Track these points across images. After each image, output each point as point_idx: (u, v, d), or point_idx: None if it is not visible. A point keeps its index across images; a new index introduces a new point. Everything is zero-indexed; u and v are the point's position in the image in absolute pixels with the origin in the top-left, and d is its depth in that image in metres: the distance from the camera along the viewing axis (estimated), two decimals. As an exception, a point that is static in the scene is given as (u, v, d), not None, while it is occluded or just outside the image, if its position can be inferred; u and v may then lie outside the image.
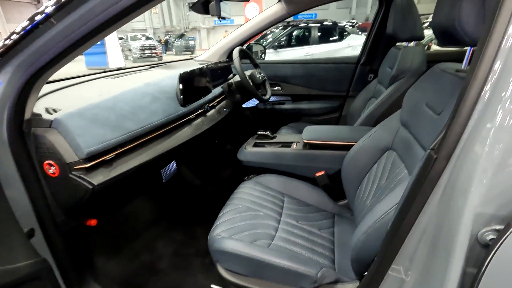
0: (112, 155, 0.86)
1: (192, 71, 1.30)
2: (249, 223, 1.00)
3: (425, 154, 0.50)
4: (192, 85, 1.31)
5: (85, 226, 1.01)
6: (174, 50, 17.32)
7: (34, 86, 0.70)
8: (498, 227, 0.40)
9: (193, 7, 1.15)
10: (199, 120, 1.32)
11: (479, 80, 0.42)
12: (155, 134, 1.04)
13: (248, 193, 1.16)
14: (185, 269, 1.25)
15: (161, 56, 13.95)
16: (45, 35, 0.63)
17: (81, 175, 0.78)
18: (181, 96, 1.19)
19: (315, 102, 2.13)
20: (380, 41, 1.84)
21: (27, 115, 0.73)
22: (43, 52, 0.65)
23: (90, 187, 0.78)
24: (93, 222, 1.03)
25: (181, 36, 18.26)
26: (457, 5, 0.60)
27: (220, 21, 1.16)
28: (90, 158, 0.81)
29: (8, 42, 0.65)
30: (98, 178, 0.81)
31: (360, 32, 6.89)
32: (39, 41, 0.64)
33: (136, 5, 0.61)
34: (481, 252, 0.41)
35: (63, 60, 0.68)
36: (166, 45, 16.98)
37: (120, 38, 12.72)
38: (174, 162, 1.68)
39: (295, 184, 1.25)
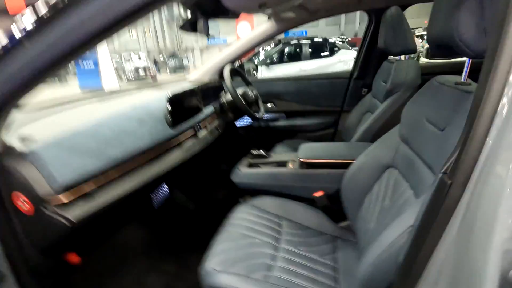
0: (93, 187, 0.79)
1: (182, 92, 1.26)
2: (245, 252, 0.93)
3: (436, 179, 0.44)
4: (181, 105, 1.26)
5: (66, 264, 0.92)
6: (168, 69, 17.50)
7: (1, 114, 0.64)
8: None
9: (182, 27, 1.12)
10: (189, 142, 1.27)
11: (495, 94, 0.37)
12: (142, 160, 0.98)
13: (243, 218, 1.09)
14: None
15: (155, 76, 14.06)
16: (17, 58, 0.57)
17: (58, 211, 0.71)
18: (170, 117, 1.14)
19: (309, 118, 2.10)
20: (372, 55, 1.84)
21: None
22: (13, 77, 0.59)
23: (69, 224, 0.71)
24: (75, 259, 0.94)
25: (174, 55, 18.53)
26: (454, 17, 0.57)
27: (214, 39, 1.13)
28: (68, 191, 0.74)
29: None
30: (77, 213, 0.74)
31: (350, 47, 7.04)
32: (10, 67, 0.58)
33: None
34: None
35: (28, 88, 0.61)
36: (156, 64, 17.13)
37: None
38: (166, 186, 1.60)
39: (293, 206, 1.18)
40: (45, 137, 0.77)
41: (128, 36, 24.53)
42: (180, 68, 17.61)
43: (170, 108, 1.14)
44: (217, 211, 1.68)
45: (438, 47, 0.69)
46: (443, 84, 0.78)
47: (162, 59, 18.67)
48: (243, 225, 1.05)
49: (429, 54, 7.90)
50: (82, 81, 9.01)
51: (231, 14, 1.16)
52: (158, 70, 17.24)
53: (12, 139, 0.75)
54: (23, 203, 0.70)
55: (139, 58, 14.91)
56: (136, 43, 23.08)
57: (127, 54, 15.35)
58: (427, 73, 1.35)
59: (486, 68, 0.39)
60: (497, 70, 0.37)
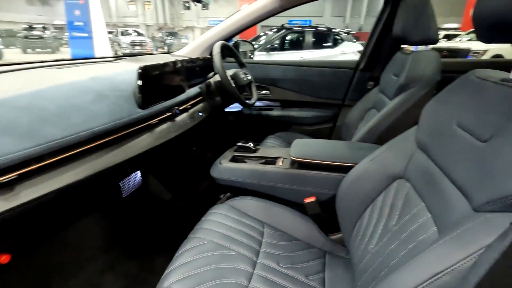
0: (12, 175, 0.59)
1: (159, 65, 1.05)
2: (215, 268, 0.75)
3: (506, 230, 0.27)
4: (157, 82, 1.06)
5: None
6: (166, 48, 16.91)
7: None
8: None
9: None
10: (164, 126, 1.07)
11: None
12: (94, 144, 0.78)
13: (218, 223, 0.92)
14: None
15: (152, 53, 13.58)
16: None
17: None
18: (140, 95, 0.94)
19: (306, 109, 1.91)
20: (383, 44, 1.63)
21: None
22: None
23: None
24: (3, 258, 0.76)
25: (174, 34, 17.86)
26: None
27: (195, 5, 0.93)
28: None
29: None
30: None
31: (354, 40, 6.78)
32: None
33: None
34: None
35: None
36: (153, 41, 16.51)
37: (110, 33, 12.31)
38: (138, 172, 1.41)
39: (279, 211, 1.01)
40: None
41: (127, 9, 23.62)
42: (179, 47, 17.03)
43: (141, 84, 0.93)
44: (196, 205, 1.50)
45: (490, 28, 0.51)
46: (486, 80, 0.60)
47: (160, 36, 17.99)
48: (217, 232, 0.88)
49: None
50: (74, 50, 8.62)
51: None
52: (156, 48, 16.66)
53: None
54: None
55: (137, 33, 14.36)
56: (134, 18, 22.28)
57: (124, 28, 14.78)
58: (448, 71, 1.17)
59: None
60: None
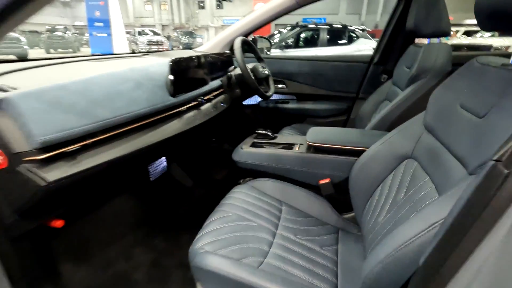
0: (76, 146, 0.71)
1: (188, 59, 1.16)
2: (239, 235, 0.85)
3: (486, 167, 0.35)
4: (186, 74, 1.17)
5: (47, 228, 0.86)
6: (181, 47, 17.24)
7: None
8: None
9: None
10: (191, 113, 1.18)
11: None
12: (135, 125, 0.89)
13: (241, 199, 1.01)
14: (164, 282, 1.10)
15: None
16: None
17: (33, 169, 0.64)
18: (172, 85, 1.05)
19: (321, 102, 1.98)
20: (396, 39, 1.68)
21: None
22: None
23: (43, 183, 0.64)
24: (58, 223, 0.88)
25: (189, 33, 18.14)
26: None
27: (221, 2, 1.02)
28: (46, 148, 0.66)
29: None
30: (55, 173, 0.66)
31: (370, 37, 6.73)
32: None
33: None
34: None
35: (10, 15, 0.52)
36: (169, 40, 16.81)
37: (128, 32, 12.69)
38: (164, 159, 1.53)
39: (296, 192, 1.10)
40: (25, 87, 0.69)
41: (143, 10, 24.16)
42: (194, 46, 17.30)
43: (172, 75, 1.04)
44: (215, 191, 1.61)
45: (490, 18, 0.57)
46: (487, 65, 0.66)
47: (176, 36, 18.34)
48: (240, 206, 0.97)
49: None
50: (94, 48, 8.98)
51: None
52: (171, 47, 17.01)
53: None
54: (-5, 157, 0.62)
55: (153, 33, 14.71)
56: (151, 18, 22.75)
57: (141, 28, 15.17)
58: (457, 64, 1.22)
59: None
60: None
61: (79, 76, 0.82)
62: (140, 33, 14.58)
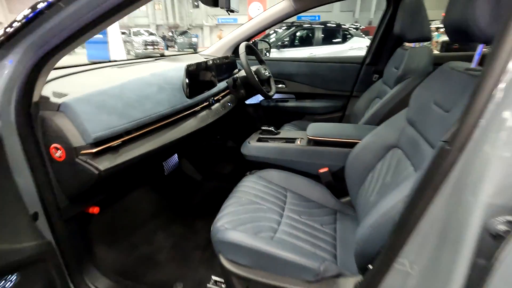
0: (118, 141, 0.85)
1: (199, 64, 1.30)
2: (252, 215, 1.00)
3: (437, 146, 0.50)
4: (198, 77, 1.31)
5: (86, 213, 1.01)
6: (176, 46, 17.29)
7: (43, 68, 0.70)
8: (510, 218, 0.40)
9: (203, 0, 1.15)
10: (204, 112, 1.32)
11: (493, 80, 0.42)
12: (161, 124, 1.04)
13: (251, 187, 1.16)
14: (185, 261, 1.24)
15: (164, 52, 13.94)
16: (55, 18, 0.63)
17: (88, 160, 0.78)
18: (187, 88, 1.19)
19: (318, 100, 2.13)
20: (386, 41, 1.84)
21: (35, 98, 0.73)
22: (53, 34, 0.65)
23: (96, 172, 0.78)
24: (95, 210, 1.02)
25: (184, 33, 18.18)
26: (472, 2, 0.60)
27: (229, 14, 1.17)
28: (96, 143, 0.80)
29: (18, 23, 0.64)
30: (104, 163, 0.81)
31: (363, 35, 6.91)
32: (49, 24, 0.63)
33: None
34: (492, 243, 0.41)
35: (72, 44, 0.67)
36: (164, 40, 16.87)
37: (123, 33, 12.70)
38: (176, 155, 1.68)
39: (298, 180, 1.25)
40: (75, 93, 0.83)
41: (137, 10, 24.06)
42: (189, 46, 17.38)
43: (187, 79, 1.18)
44: (222, 183, 1.76)
45: (454, 32, 0.72)
46: (454, 69, 0.82)
47: (171, 35, 18.36)
48: (251, 193, 1.12)
49: (443, 48, 7.77)
50: (90, 51, 8.97)
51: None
52: (166, 47, 17.04)
53: (47, 93, 0.81)
54: (57, 151, 0.77)
55: (148, 33, 14.72)
56: (145, 18, 22.67)
57: (136, 28, 15.17)
58: (439, 64, 1.38)
59: (490, 54, 0.43)
60: (497, 56, 0.41)
61: (113, 82, 0.97)
62: (135, 34, 14.60)
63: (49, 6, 0.62)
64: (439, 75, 0.89)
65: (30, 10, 0.63)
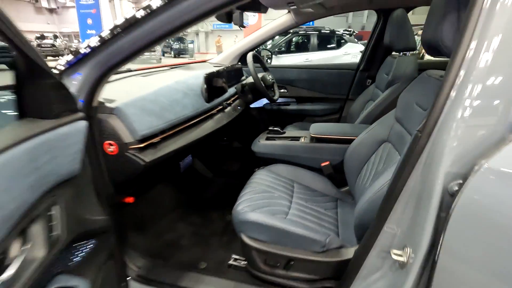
0: (158, 138, 1.03)
1: (214, 72, 1.48)
2: (266, 201, 1.18)
3: (413, 134, 0.68)
4: (213, 84, 1.49)
5: (123, 203, 1.17)
6: (172, 53, 17.49)
7: (103, 80, 0.87)
8: (460, 181, 0.58)
9: (218, 16, 1.33)
10: (219, 115, 1.50)
11: (449, 85, 0.60)
12: (187, 124, 1.21)
13: (263, 179, 1.34)
14: (206, 245, 1.41)
15: (160, 59, 14.12)
16: (117, 43, 0.80)
17: (135, 154, 0.95)
18: (206, 94, 1.37)
19: (317, 104, 2.33)
20: (378, 50, 2.05)
21: (94, 103, 0.90)
22: (113, 55, 0.82)
23: (142, 163, 0.95)
24: (130, 200, 1.19)
25: (180, 39, 18.40)
26: (440, 25, 0.79)
27: (241, 29, 1.36)
28: (142, 140, 0.97)
29: (89, 48, 0.82)
30: (148, 157, 0.98)
31: (357, 41, 7.18)
32: (112, 48, 0.81)
33: (189, 22, 0.78)
34: (449, 199, 0.60)
35: (126, 62, 0.85)
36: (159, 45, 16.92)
37: (120, 39, 12.78)
38: (190, 155, 1.85)
39: (303, 173, 1.43)
40: (121, 98, 1.00)
41: (133, 16, 24.15)
42: (184, 52, 17.57)
43: (206, 85, 1.36)
44: (231, 180, 1.94)
45: (428, 48, 0.92)
46: (431, 76, 1.01)
47: (166, 41, 18.53)
48: (263, 183, 1.30)
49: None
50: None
51: (262, 8, 1.38)
52: (163, 53, 17.21)
53: (100, 99, 0.98)
54: (110, 147, 0.94)
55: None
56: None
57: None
58: (423, 69, 1.59)
59: (448, 65, 0.62)
60: (452, 67, 0.60)
61: (147, 89, 1.14)
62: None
63: (113, 36, 0.80)
64: (419, 81, 1.09)
65: (98, 38, 0.80)
